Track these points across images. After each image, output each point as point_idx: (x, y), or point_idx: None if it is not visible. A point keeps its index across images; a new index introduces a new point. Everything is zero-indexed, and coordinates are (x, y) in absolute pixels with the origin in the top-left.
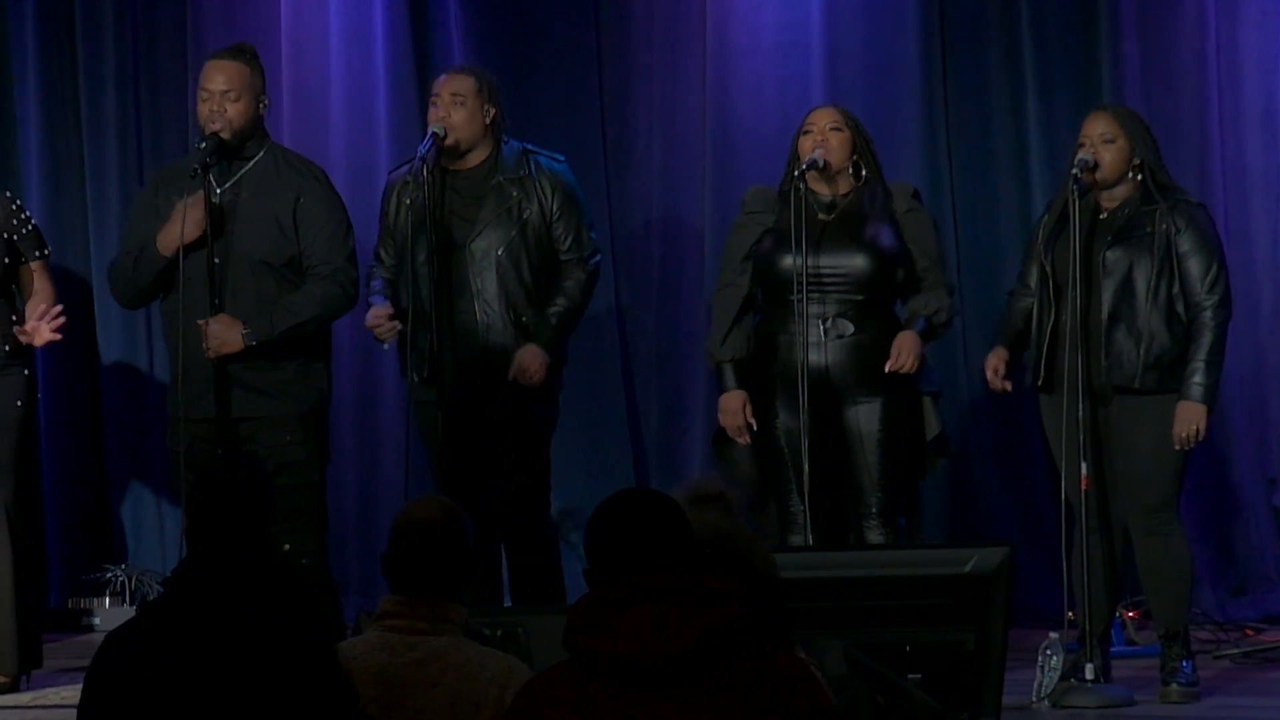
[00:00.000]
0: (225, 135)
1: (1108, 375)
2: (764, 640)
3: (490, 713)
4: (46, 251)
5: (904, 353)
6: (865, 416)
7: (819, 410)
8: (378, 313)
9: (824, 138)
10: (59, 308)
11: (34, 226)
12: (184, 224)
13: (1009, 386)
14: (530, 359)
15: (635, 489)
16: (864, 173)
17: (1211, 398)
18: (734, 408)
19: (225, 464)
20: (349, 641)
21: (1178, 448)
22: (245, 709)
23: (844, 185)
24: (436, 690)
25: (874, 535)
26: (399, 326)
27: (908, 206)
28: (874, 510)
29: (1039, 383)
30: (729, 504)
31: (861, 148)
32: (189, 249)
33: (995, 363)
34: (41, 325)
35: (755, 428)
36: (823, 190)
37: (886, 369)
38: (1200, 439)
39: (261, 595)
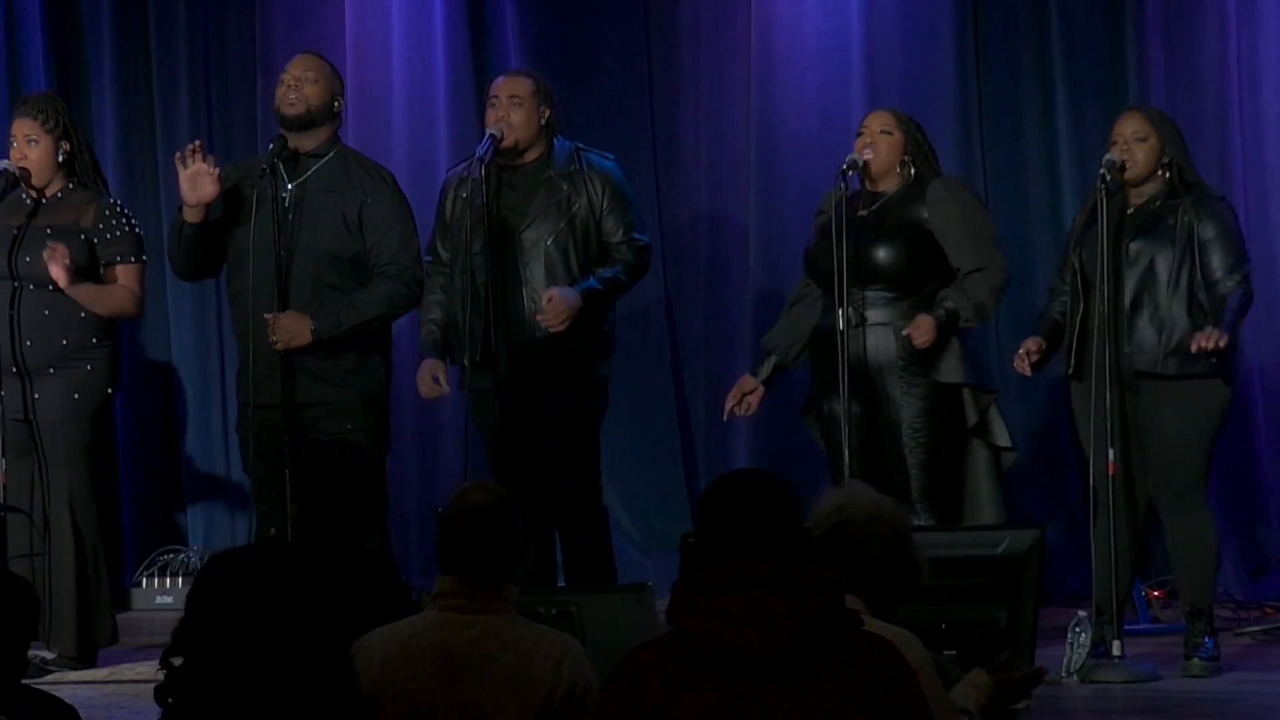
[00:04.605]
0: (299, 110)
1: (1132, 361)
2: (856, 624)
3: (547, 687)
4: (133, 259)
5: (920, 328)
6: (906, 402)
7: (862, 397)
8: (425, 377)
9: (873, 140)
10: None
11: (127, 233)
12: (194, 188)
13: (1028, 371)
14: (556, 304)
15: (749, 470)
16: (913, 171)
17: (1233, 331)
18: (735, 386)
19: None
20: (408, 620)
21: (1193, 349)
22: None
23: (889, 183)
24: (495, 666)
25: (915, 519)
26: (445, 391)
27: (938, 198)
28: (915, 494)
29: (1070, 371)
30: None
31: (914, 149)
32: (257, 244)
33: (1030, 345)
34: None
35: (752, 409)
36: (869, 188)
37: (903, 333)
38: (1219, 344)
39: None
